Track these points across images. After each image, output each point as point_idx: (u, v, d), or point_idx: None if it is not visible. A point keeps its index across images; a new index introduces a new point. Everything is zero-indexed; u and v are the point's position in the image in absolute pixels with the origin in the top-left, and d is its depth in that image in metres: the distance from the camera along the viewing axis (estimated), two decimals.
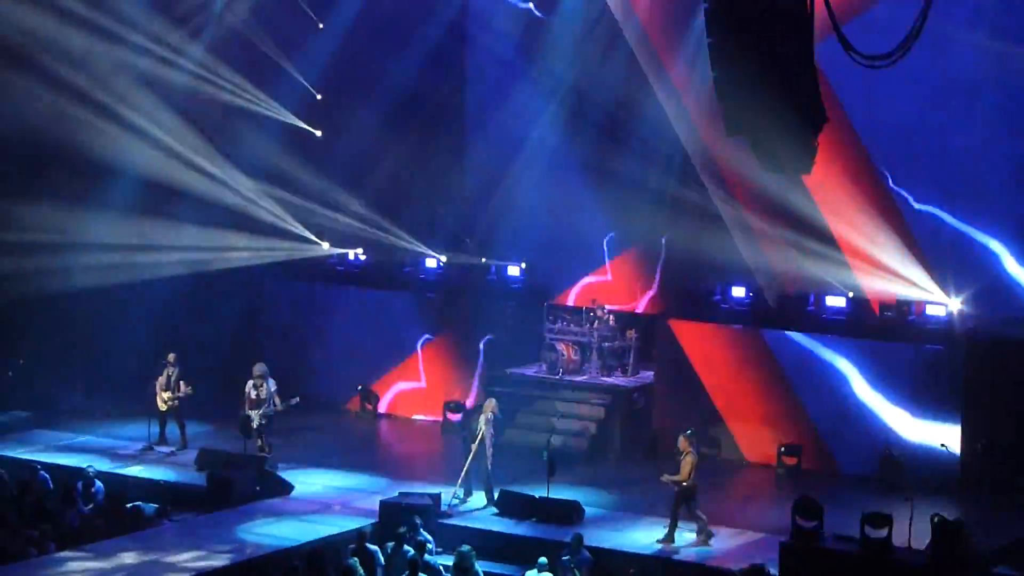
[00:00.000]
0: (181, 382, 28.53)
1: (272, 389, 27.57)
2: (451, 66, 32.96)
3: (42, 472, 25.72)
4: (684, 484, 23.60)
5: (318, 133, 33.13)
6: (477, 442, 25.45)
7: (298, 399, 28.15)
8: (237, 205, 32.15)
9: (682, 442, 23.98)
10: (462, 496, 25.62)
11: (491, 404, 26.01)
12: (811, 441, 27.95)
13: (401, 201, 32.86)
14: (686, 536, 23.73)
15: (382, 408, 32.26)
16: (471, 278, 32.40)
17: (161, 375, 28.67)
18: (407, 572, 20.79)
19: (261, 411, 27.36)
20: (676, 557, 23.10)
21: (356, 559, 21.17)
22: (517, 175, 32.06)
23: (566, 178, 31.69)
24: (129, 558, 22.41)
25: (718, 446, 28.70)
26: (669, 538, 23.71)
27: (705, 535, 23.70)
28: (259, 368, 27.81)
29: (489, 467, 25.53)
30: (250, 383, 27.55)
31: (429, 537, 22.75)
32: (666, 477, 23.99)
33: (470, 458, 25.53)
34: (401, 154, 32.53)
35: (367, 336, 32.59)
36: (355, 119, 32.55)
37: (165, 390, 28.55)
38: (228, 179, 32.07)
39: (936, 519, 21.39)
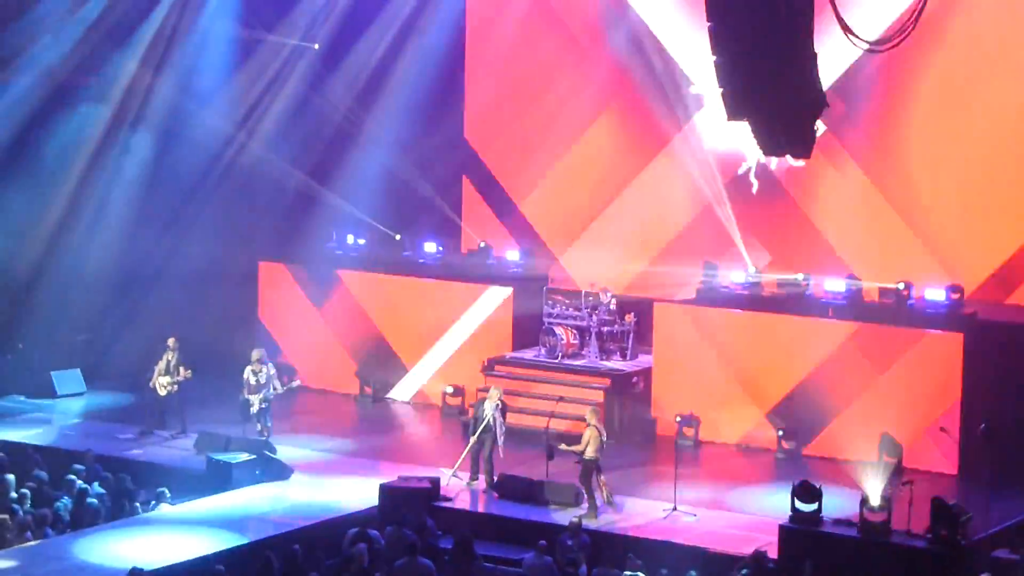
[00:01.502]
0: (181, 367, 28.53)
1: (271, 373, 27.62)
2: None
3: (35, 455, 25.77)
4: (586, 456, 24.20)
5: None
6: (482, 429, 25.50)
7: (299, 382, 28.25)
8: None
9: (588, 415, 24.69)
10: (462, 478, 25.65)
11: (498, 391, 26.09)
12: (810, 425, 27.95)
13: None
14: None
15: None
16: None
17: (160, 359, 28.67)
18: (407, 555, 20.82)
19: (261, 395, 27.40)
20: (676, 541, 23.12)
21: (364, 544, 21.18)
22: None
23: None
24: (127, 542, 22.40)
25: (717, 430, 28.74)
26: (592, 513, 24.04)
27: (594, 510, 24.13)
28: (257, 353, 27.88)
29: (501, 454, 25.60)
30: (248, 368, 27.61)
31: (431, 520, 22.78)
32: (563, 446, 24.82)
33: (471, 443, 25.62)
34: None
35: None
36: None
37: (164, 375, 28.55)
38: None
39: (935, 502, 21.46)
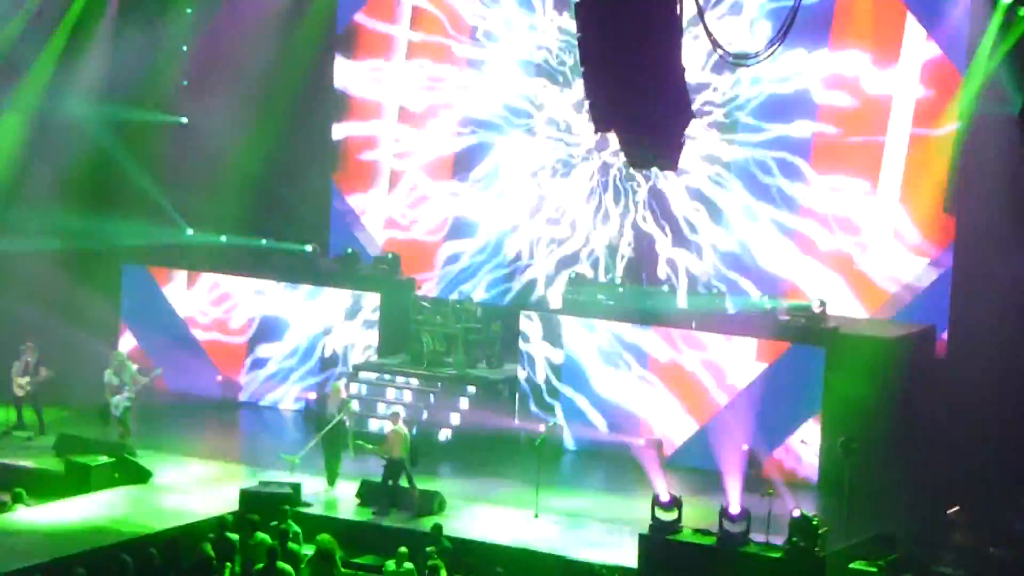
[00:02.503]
0: (41, 367, 28.15)
1: (133, 371, 27.36)
2: None
3: None
4: (393, 458, 24.78)
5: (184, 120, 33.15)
6: (327, 429, 25.54)
7: (160, 371, 27.95)
8: None
9: (391, 418, 25.49)
10: (294, 462, 25.53)
11: (339, 388, 26.18)
12: (673, 435, 28.11)
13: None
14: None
15: None
16: None
17: (19, 360, 28.28)
18: (266, 561, 20.68)
19: (123, 396, 27.10)
20: (537, 548, 23.15)
21: (209, 545, 21.08)
22: None
23: None
24: None
25: (583, 439, 28.82)
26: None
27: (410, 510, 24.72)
28: (117, 355, 27.60)
29: (352, 455, 25.60)
30: (108, 371, 27.33)
31: (297, 529, 22.57)
32: (369, 447, 25.61)
33: (314, 440, 25.80)
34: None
35: None
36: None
37: (22, 376, 28.16)
38: None
39: (796, 514, 21.67)
